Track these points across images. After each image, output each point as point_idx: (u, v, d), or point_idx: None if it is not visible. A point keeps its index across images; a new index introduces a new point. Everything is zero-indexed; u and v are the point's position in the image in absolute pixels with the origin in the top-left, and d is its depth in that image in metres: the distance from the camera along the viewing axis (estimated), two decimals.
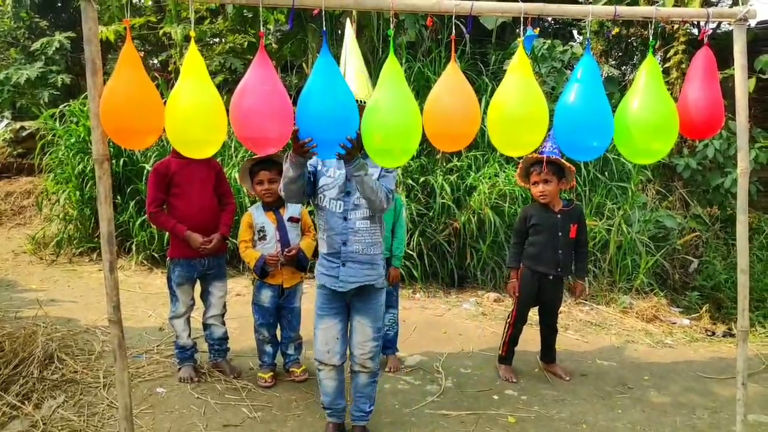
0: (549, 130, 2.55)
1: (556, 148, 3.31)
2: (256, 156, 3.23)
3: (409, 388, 3.40)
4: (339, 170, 2.61)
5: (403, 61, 5.98)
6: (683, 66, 6.45)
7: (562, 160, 3.31)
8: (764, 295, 5.49)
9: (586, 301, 5.02)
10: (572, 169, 3.36)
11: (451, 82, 2.28)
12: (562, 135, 2.31)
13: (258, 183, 3.29)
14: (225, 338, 3.52)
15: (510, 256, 3.58)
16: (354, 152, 2.33)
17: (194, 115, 2.07)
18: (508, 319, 3.59)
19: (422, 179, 5.49)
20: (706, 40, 2.43)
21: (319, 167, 2.66)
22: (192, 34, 2.26)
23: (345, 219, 2.59)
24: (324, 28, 2.15)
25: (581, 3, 7.32)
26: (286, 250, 3.29)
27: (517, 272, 3.51)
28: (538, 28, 6.65)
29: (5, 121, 9.01)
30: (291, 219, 3.36)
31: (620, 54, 8.37)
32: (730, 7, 7.34)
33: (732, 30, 2.47)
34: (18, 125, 8.73)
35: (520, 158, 4.12)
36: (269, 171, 3.28)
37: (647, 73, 2.31)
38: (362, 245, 2.60)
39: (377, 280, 2.64)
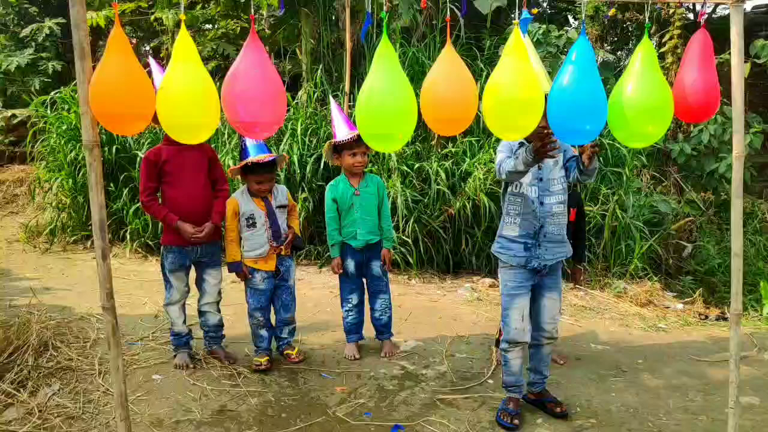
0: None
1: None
2: (256, 158, 3.18)
3: (404, 373, 3.42)
4: None
5: (398, 46, 5.93)
6: (678, 51, 6.43)
7: (572, 148, 3.31)
8: (757, 279, 5.54)
9: (580, 286, 5.04)
10: (575, 150, 3.37)
11: (448, 64, 2.25)
12: (555, 118, 2.29)
13: (256, 183, 3.26)
14: (220, 325, 3.52)
15: None
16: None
17: (186, 100, 2.04)
18: None
19: (417, 165, 5.48)
20: (702, 22, 2.41)
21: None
22: (182, 17, 2.22)
23: (541, 203, 2.77)
24: (369, 18, 2.12)
25: None
26: (284, 237, 3.32)
27: None
28: (536, 9, 6.58)
29: None
30: (280, 206, 3.35)
31: (615, 39, 8.34)
32: None
33: (727, 15, 2.45)
34: (9, 113, 8.63)
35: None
36: (270, 173, 3.29)
37: (642, 56, 2.29)
38: (557, 227, 2.81)
39: (566, 255, 2.92)
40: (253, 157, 3.18)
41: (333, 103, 3.63)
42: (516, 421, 2.83)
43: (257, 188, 3.28)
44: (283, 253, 3.38)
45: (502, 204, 2.91)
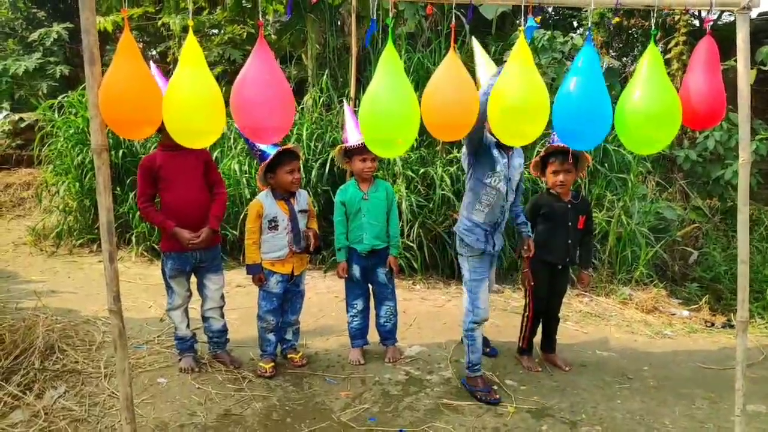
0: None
1: None
2: (281, 147, 3.20)
3: (409, 379, 3.41)
4: (504, 159, 3.11)
5: (403, 51, 5.95)
6: (684, 57, 6.43)
7: (585, 153, 3.36)
8: (763, 286, 5.51)
9: (585, 292, 5.03)
10: (589, 159, 3.41)
11: (450, 71, 2.26)
12: (560, 123, 2.30)
13: (289, 172, 3.26)
14: (224, 331, 3.52)
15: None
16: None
17: (192, 105, 2.06)
18: (526, 313, 3.60)
19: (422, 170, 5.49)
20: (708, 29, 2.42)
21: (496, 154, 3.10)
22: (190, 23, 2.24)
23: (506, 200, 3.17)
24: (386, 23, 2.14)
25: None
26: (311, 240, 3.38)
27: (529, 262, 3.51)
28: (540, 17, 6.60)
29: (4, 113, 8.99)
30: (302, 210, 3.37)
31: (621, 45, 8.35)
32: None
33: (732, 21, 2.46)
34: (17, 116, 8.71)
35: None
36: (296, 160, 3.30)
37: (649, 63, 2.29)
38: (505, 221, 3.27)
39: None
40: (277, 149, 3.20)
41: (346, 108, 3.62)
42: (497, 396, 3.19)
43: (290, 179, 3.26)
44: (307, 263, 3.49)
45: (473, 190, 3.19)
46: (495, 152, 3.08)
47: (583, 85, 2.22)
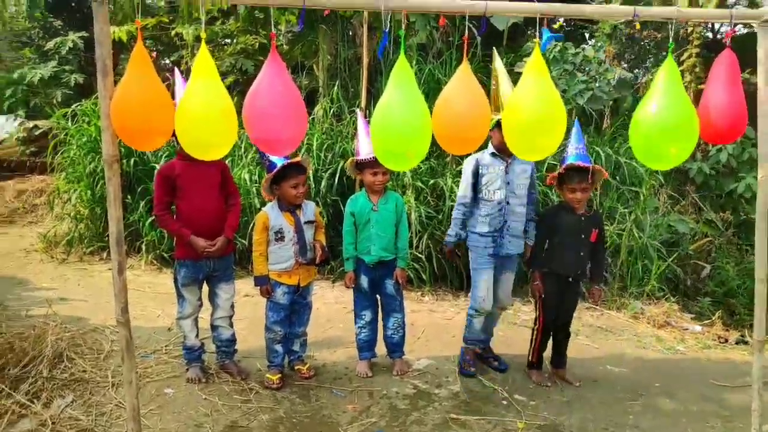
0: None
1: (582, 148, 3.29)
2: (287, 161, 3.20)
3: (417, 392, 3.38)
4: (501, 164, 3.45)
5: (414, 62, 5.96)
6: (697, 70, 6.38)
7: (602, 169, 3.37)
8: None
9: (596, 306, 4.97)
10: (606, 175, 3.43)
11: (462, 83, 2.25)
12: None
13: (293, 186, 3.26)
14: (233, 340, 3.52)
15: (534, 258, 3.55)
16: None
17: (205, 117, 2.07)
18: (536, 326, 3.56)
19: (432, 182, 5.47)
20: (728, 42, 2.38)
21: (481, 170, 3.47)
22: (203, 35, 2.25)
23: (507, 203, 3.45)
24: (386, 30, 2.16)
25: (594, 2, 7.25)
26: (318, 252, 3.38)
27: (540, 275, 3.49)
28: (559, 23, 6.53)
29: (19, 120, 9.08)
30: (308, 222, 3.36)
31: (633, 57, 8.31)
32: (745, 7, 7.24)
33: (744, 34, 2.43)
34: (31, 124, 8.80)
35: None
36: (303, 174, 3.29)
37: (666, 76, 2.25)
38: (518, 224, 3.51)
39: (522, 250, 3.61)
40: (284, 162, 3.20)
41: (359, 118, 3.59)
42: (473, 369, 3.61)
43: (294, 194, 3.26)
44: (315, 274, 3.50)
45: (475, 206, 3.55)
46: (486, 161, 3.48)
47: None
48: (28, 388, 3.07)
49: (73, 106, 6.74)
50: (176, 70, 3.17)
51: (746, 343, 4.42)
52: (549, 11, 2.29)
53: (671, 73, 2.22)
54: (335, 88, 6.35)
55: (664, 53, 2.46)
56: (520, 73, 2.93)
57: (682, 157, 2.25)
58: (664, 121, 2.17)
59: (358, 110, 3.91)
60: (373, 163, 3.34)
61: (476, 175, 3.50)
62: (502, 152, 3.43)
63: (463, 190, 3.55)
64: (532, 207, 3.63)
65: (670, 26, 2.29)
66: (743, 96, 2.31)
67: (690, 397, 3.44)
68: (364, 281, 3.52)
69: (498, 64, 3.40)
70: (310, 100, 6.88)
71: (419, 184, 5.42)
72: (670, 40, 2.29)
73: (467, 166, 3.54)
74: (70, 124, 6.59)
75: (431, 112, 2.24)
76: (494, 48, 3.60)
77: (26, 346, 3.38)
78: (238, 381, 3.39)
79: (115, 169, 2.23)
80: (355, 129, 5.90)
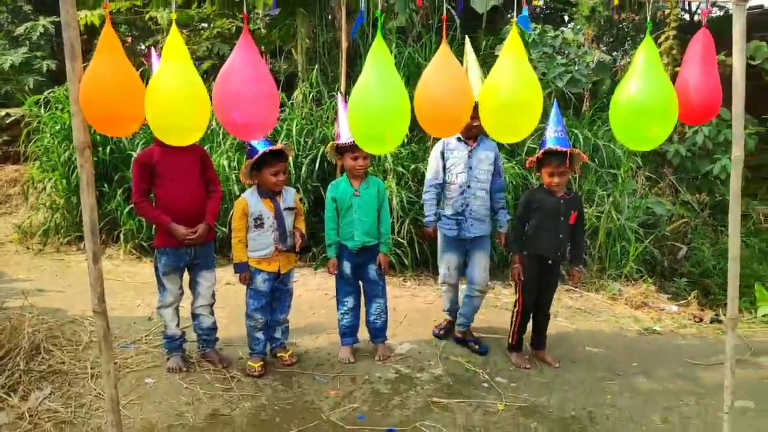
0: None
1: (561, 131, 3.30)
2: (268, 148, 3.15)
3: (399, 377, 3.40)
4: (465, 149, 3.58)
5: (393, 46, 5.91)
6: (674, 52, 6.42)
7: (581, 153, 3.39)
8: (751, 281, 5.53)
9: (576, 288, 5.04)
10: (585, 158, 3.47)
11: (442, 65, 2.22)
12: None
13: (274, 174, 3.22)
14: (214, 328, 3.49)
15: (514, 241, 3.57)
16: None
17: (175, 101, 2.01)
18: (515, 309, 3.59)
19: (413, 166, 5.45)
20: (704, 21, 2.38)
21: (446, 153, 3.61)
22: (173, 16, 2.19)
23: (469, 186, 3.58)
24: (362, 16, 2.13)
25: None
26: (297, 240, 3.35)
27: (520, 257, 3.51)
28: (536, 1, 6.54)
29: None
30: (288, 208, 3.34)
31: (612, 39, 8.34)
32: None
33: (721, 16, 2.44)
34: (3, 112, 8.56)
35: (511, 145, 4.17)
36: (283, 162, 3.26)
37: (645, 57, 2.23)
38: (481, 207, 3.62)
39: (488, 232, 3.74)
40: (265, 148, 3.16)
41: (340, 102, 3.55)
42: (443, 332, 3.91)
43: (274, 180, 3.23)
44: (295, 261, 3.48)
45: (443, 189, 3.69)
46: (452, 145, 3.61)
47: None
48: (4, 381, 3.02)
49: (45, 93, 6.57)
50: (152, 51, 3.10)
51: (721, 322, 4.52)
52: None
53: (650, 53, 2.21)
54: (314, 72, 6.28)
55: (642, 36, 2.45)
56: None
57: (662, 136, 2.26)
58: (645, 101, 2.16)
59: (338, 94, 3.87)
60: (353, 147, 3.31)
61: (443, 157, 3.65)
62: (467, 137, 3.59)
63: (433, 172, 3.69)
64: (501, 195, 3.76)
65: (648, 5, 2.29)
66: (718, 76, 2.32)
67: (666, 375, 3.51)
68: (347, 267, 3.52)
69: (468, 49, 3.42)
70: (289, 85, 6.80)
71: (400, 169, 5.41)
72: (648, 20, 2.28)
73: (435, 149, 3.70)
74: (42, 111, 6.44)
75: (411, 97, 2.22)
76: (467, 36, 3.61)
77: (2, 338, 3.32)
78: (220, 369, 3.37)
79: (87, 156, 2.18)
80: (336, 113, 5.87)
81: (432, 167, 3.70)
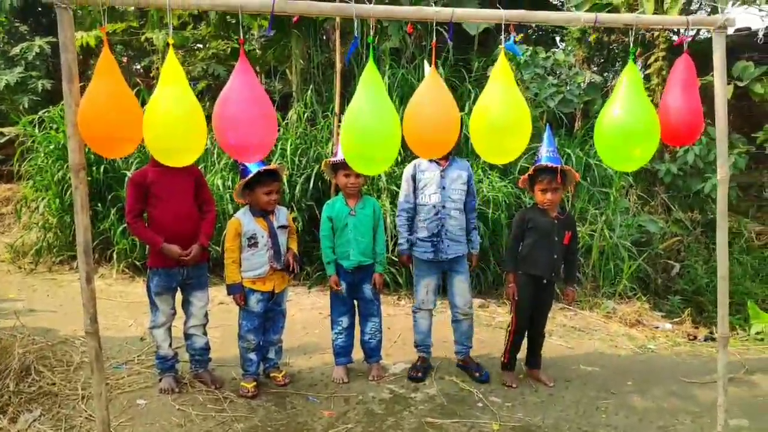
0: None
1: (553, 151, 3.33)
2: (262, 168, 3.17)
3: (393, 397, 3.38)
4: (437, 169, 3.51)
5: (387, 67, 5.98)
6: (664, 72, 6.53)
7: (573, 170, 3.40)
8: (744, 298, 5.56)
9: (570, 306, 5.04)
10: (578, 177, 3.45)
11: (431, 89, 2.28)
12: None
13: (266, 193, 3.23)
14: (206, 348, 3.47)
15: (508, 260, 3.58)
16: None
17: (173, 123, 2.05)
18: (509, 328, 3.59)
19: None
20: (685, 47, 2.46)
21: (418, 174, 3.53)
22: (170, 40, 2.23)
23: (443, 207, 3.49)
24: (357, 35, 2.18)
25: (563, 9, 7.38)
26: (285, 260, 3.34)
27: (514, 276, 3.52)
28: (522, 35, 6.67)
29: None
30: (281, 226, 3.34)
31: (602, 60, 8.46)
32: (709, 14, 7.45)
33: (711, 37, 2.50)
34: None
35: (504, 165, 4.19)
36: (277, 182, 3.28)
37: (628, 81, 2.32)
38: (455, 227, 3.53)
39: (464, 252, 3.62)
40: (258, 168, 3.17)
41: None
42: (420, 374, 3.60)
43: (267, 200, 3.24)
44: (288, 281, 3.47)
45: (416, 213, 3.59)
46: (423, 166, 3.54)
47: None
48: None
49: (40, 113, 6.59)
50: None
51: (714, 339, 4.52)
52: (514, 17, 2.33)
53: (633, 77, 2.29)
54: (309, 92, 6.34)
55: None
56: None
57: (645, 158, 2.32)
58: (627, 125, 2.24)
59: (330, 114, 3.92)
60: (345, 165, 3.33)
61: (414, 180, 3.57)
62: (439, 157, 3.49)
63: (404, 196, 3.61)
64: (473, 215, 3.68)
65: (630, 32, 2.36)
66: (699, 98, 2.39)
67: (661, 394, 3.51)
68: (343, 286, 3.51)
69: (427, 70, 3.49)
70: (284, 105, 6.86)
71: (394, 187, 5.43)
72: (631, 46, 2.35)
73: (406, 172, 3.61)
74: (37, 131, 6.45)
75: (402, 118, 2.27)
76: (425, 61, 3.70)
77: None
78: (213, 390, 3.35)
79: (82, 177, 2.20)
80: (330, 133, 5.91)
81: (403, 190, 3.60)
